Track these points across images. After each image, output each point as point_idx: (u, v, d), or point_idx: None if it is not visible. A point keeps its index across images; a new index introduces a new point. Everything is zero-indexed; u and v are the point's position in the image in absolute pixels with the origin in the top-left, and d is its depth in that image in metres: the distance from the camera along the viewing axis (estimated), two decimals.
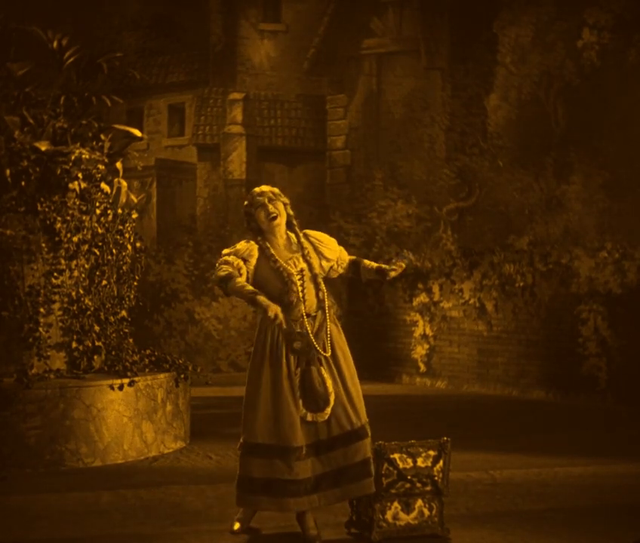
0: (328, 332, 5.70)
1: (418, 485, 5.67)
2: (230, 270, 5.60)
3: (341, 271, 5.94)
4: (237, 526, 5.78)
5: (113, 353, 8.74)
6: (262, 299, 5.50)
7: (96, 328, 8.65)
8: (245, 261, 5.68)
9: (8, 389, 7.81)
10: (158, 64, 21.97)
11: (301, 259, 5.76)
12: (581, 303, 12.12)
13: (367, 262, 6.00)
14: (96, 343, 8.64)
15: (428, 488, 5.69)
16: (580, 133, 18.19)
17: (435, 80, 20.18)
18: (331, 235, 6.02)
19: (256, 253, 5.71)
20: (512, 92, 18.92)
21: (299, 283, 5.69)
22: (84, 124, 9.07)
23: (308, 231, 5.91)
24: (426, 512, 5.71)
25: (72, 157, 8.52)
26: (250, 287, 5.58)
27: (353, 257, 6.05)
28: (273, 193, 5.79)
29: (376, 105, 20.63)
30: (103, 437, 8.05)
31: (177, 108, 21.96)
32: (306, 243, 5.83)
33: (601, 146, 18.05)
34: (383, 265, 5.92)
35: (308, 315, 5.68)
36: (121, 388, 8.15)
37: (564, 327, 12.32)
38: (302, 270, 5.73)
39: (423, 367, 14.09)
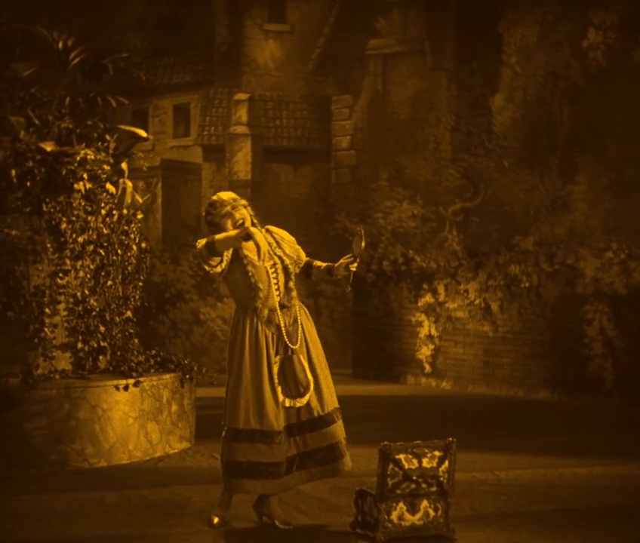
0: (300, 323, 5.86)
1: (423, 485, 5.66)
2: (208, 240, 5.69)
3: (297, 270, 6.03)
4: (216, 520, 5.89)
5: (118, 353, 8.74)
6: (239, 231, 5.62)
7: (102, 328, 8.64)
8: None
9: (13, 389, 7.81)
10: (164, 64, 21.99)
11: (271, 254, 5.88)
12: (587, 304, 12.09)
13: (317, 262, 6.09)
14: (102, 343, 8.64)
15: (433, 488, 5.68)
16: (586, 133, 18.16)
17: (440, 80, 20.18)
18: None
19: (230, 254, 5.81)
20: (517, 92, 18.90)
21: (272, 276, 5.83)
22: (89, 125, 9.06)
23: (270, 227, 6.02)
24: (432, 513, 5.71)
25: (78, 158, 8.52)
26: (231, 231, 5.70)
27: (307, 258, 6.13)
28: (234, 200, 5.89)
29: (382, 105, 20.63)
30: (108, 437, 8.05)
31: (182, 108, 21.98)
32: (269, 239, 5.94)
33: (607, 146, 18.02)
34: (332, 264, 5.97)
35: (283, 306, 5.85)
36: (126, 388, 8.15)
37: (570, 328, 12.29)
38: (274, 263, 5.85)
39: (428, 368, 14.07)
